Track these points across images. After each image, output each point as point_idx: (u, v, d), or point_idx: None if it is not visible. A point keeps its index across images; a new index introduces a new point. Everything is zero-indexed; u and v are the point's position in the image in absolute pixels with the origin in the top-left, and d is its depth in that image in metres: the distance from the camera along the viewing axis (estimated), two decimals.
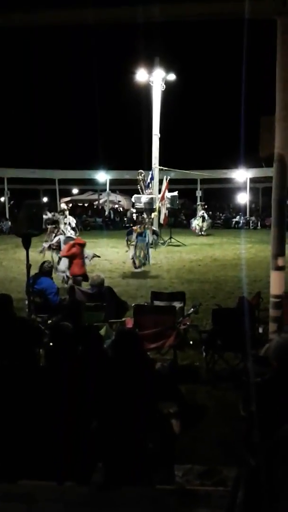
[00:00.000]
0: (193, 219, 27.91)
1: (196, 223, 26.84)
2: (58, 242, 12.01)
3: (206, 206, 27.77)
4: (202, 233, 26.33)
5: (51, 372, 3.41)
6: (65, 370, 3.36)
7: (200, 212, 27.16)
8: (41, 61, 48.51)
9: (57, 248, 11.89)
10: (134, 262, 13.81)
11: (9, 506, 2.63)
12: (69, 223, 13.31)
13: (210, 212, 29.80)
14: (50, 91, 46.76)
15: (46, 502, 2.73)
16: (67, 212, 13.44)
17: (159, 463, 3.24)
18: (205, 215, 27.27)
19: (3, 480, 2.87)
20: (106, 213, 37.02)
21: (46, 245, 12.41)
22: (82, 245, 10.30)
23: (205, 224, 26.82)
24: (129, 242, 14.06)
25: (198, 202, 30.23)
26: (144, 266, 13.93)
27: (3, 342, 4.28)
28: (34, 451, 3.04)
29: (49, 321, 6.76)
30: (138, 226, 14.53)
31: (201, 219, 26.78)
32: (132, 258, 13.81)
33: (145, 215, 15.22)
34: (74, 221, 13.82)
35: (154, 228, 17.53)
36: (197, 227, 26.53)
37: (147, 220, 14.93)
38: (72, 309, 5.96)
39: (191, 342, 6.36)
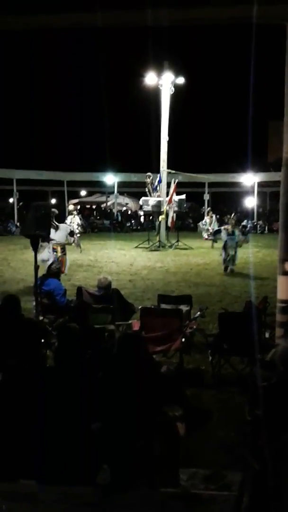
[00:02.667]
0: (203, 225, 27.41)
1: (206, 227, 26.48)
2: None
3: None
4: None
5: (57, 373, 3.43)
6: (72, 371, 3.37)
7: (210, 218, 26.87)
8: (50, 64, 48.80)
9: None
10: (226, 265, 14.09)
11: (13, 506, 2.64)
12: (72, 222, 13.72)
13: (218, 216, 29.51)
14: (59, 93, 46.99)
15: (50, 502, 2.74)
16: (75, 212, 13.76)
17: (163, 466, 3.25)
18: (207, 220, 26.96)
19: (8, 479, 2.89)
20: (114, 215, 37.07)
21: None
22: None
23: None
24: (214, 243, 14.04)
25: (208, 208, 29.88)
26: (233, 265, 14.17)
27: (10, 342, 4.32)
28: (39, 451, 3.06)
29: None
30: (227, 225, 14.69)
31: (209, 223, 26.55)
32: (224, 260, 14.11)
33: (231, 215, 15.52)
34: (79, 221, 14.21)
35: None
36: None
37: (233, 220, 15.16)
38: (79, 310, 5.99)
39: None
